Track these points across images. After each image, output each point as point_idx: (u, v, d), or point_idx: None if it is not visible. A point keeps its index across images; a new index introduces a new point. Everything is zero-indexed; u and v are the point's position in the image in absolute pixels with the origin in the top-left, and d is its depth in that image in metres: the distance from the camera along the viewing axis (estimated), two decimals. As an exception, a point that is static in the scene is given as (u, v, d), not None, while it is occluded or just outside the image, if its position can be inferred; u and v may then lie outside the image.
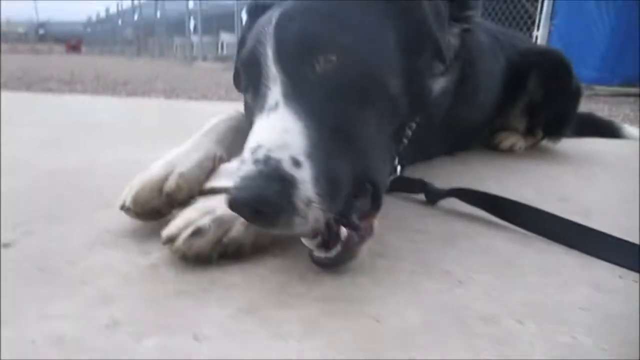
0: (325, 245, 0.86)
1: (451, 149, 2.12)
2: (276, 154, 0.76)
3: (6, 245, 0.93)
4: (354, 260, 0.89)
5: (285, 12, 0.97)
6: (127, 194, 1.02)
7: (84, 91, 5.74)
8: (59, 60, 17.04)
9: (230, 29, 17.25)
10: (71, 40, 39.10)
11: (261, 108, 0.89)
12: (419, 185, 1.36)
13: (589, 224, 1.09)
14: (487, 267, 0.97)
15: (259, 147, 0.78)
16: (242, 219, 0.89)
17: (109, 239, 0.99)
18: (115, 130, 2.36)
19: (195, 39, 19.73)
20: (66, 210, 1.16)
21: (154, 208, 1.01)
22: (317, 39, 0.91)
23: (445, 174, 1.74)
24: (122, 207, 1.02)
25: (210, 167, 1.10)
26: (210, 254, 0.90)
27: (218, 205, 0.93)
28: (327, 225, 0.83)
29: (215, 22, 19.76)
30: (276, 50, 0.91)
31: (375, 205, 0.93)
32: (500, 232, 1.16)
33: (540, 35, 7.83)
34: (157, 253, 0.93)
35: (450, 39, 1.29)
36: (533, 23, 8.30)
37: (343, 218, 0.85)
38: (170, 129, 2.41)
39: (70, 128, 2.36)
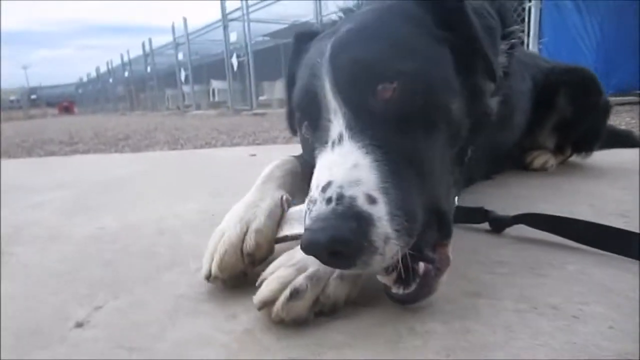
0: (402, 280, 0.81)
1: (489, 173, 2.08)
2: (349, 191, 0.72)
3: (80, 325, 0.85)
4: (430, 295, 0.84)
5: (339, 40, 0.93)
6: (210, 263, 0.96)
7: (86, 150, 5.74)
8: (54, 123, 17.18)
9: (220, 76, 17.51)
10: (63, 102, 39.55)
11: (324, 142, 0.85)
12: (481, 214, 1.29)
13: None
14: (592, 297, 0.90)
15: (329, 184, 0.74)
16: (336, 273, 0.85)
17: (187, 305, 0.91)
18: (138, 186, 2.30)
19: (186, 89, 20.00)
20: (127, 277, 1.08)
21: (241, 271, 0.96)
22: (375, 66, 0.87)
23: (491, 200, 1.68)
24: (208, 277, 0.96)
25: (280, 214, 1.04)
26: (308, 315, 0.83)
27: (305, 258, 0.87)
28: (403, 260, 0.76)
29: (205, 71, 20.06)
30: (334, 81, 0.88)
31: (446, 233, 0.87)
32: (583, 256, 1.09)
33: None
34: (244, 316, 0.85)
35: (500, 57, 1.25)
36: (522, 44, 8.43)
37: (417, 251, 0.80)
38: (195, 178, 2.37)
39: (92, 188, 2.30)
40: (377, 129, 0.82)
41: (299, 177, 1.26)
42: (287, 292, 0.82)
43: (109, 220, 1.59)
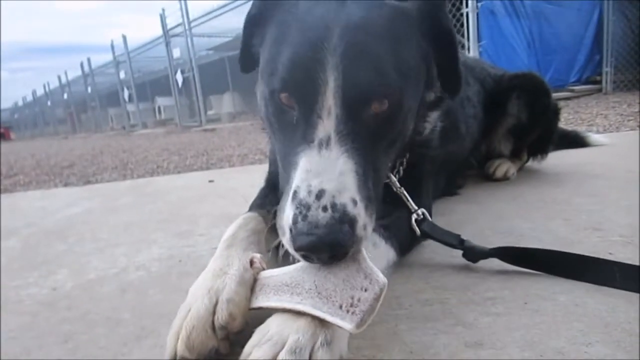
0: None
1: (452, 188, 2.06)
2: (341, 199, 0.84)
3: None
4: None
5: (353, 36, 0.93)
6: (175, 342, 0.85)
7: (28, 182, 5.40)
8: (-10, 151, 16.23)
9: (165, 92, 17.12)
10: (-2, 128, 37.53)
11: (309, 140, 0.90)
12: (457, 240, 1.25)
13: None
14: (593, 335, 0.87)
15: (322, 192, 0.84)
16: (319, 340, 0.79)
17: None
18: (92, 228, 2.13)
19: (131, 107, 19.43)
20: (90, 355, 0.97)
21: (212, 348, 0.85)
22: (378, 80, 0.93)
23: (467, 219, 1.66)
24: (174, 359, 0.85)
25: (251, 278, 0.95)
26: None
27: (280, 330, 0.80)
28: None
29: (149, 88, 19.57)
30: (342, 84, 0.90)
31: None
32: (572, 285, 1.07)
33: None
34: None
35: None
36: (463, 47, 8.70)
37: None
38: (154, 214, 2.23)
39: (41, 236, 2.12)
40: (360, 137, 0.92)
41: (264, 233, 1.19)
42: None
43: (63, 277, 1.45)
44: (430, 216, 1.34)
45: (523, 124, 2.25)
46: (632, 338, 0.85)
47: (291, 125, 0.95)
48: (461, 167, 2.19)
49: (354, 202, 0.85)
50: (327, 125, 0.90)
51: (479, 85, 2.20)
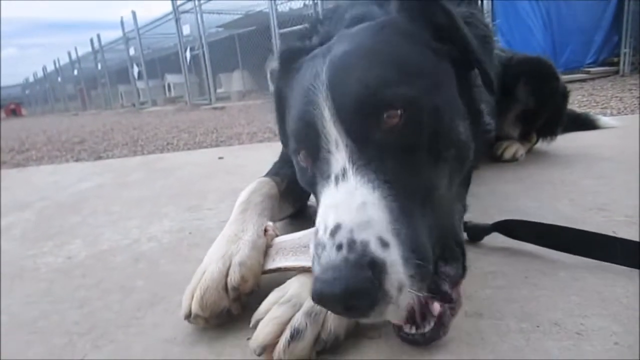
0: (414, 320, 0.75)
1: None
2: (360, 236, 0.66)
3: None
4: (444, 336, 0.78)
5: (336, 63, 0.86)
6: (190, 301, 0.90)
7: (40, 158, 5.47)
8: (2, 128, 16.37)
9: (174, 70, 17.08)
10: (10, 104, 37.67)
11: (325, 176, 0.80)
12: None
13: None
14: (591, 309, 0.89)
15: (338, 227, 0.68)
16: None
17: (177, 352, 0.84)
18: (105, 202, 2.18)
19: (141, 84, 19.42)
20: (105, 320, 1.01)
21: (224, 308, 0.90)
22: (379, 92, 0.79)
23: (473, 199, 1.67)
24: (188, 317, 0.90)
25: (264, 244, 0.99)
26: (311, 355, 0.79)
27: (298, 292, 0.83)
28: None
29: (158, 65, 19.52)
30: (334, 109, 0.81)
31: (463, 268, 0.82)
32: (571, 259, 1.09)
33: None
34: None
35: None
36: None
37: (435, 289, 0.75)
38: (165, 189, 2.27)
39: (55, 208, 2.17)
40: (383, 161, 0.76)
41: (278, 199, 1.22)
42: (287, 334, 0.77)
43: (77, 248, 1.49)
44: None
45: (531, 109, 2.24)
46: (628, 312, 0.87)
47: (313, 179, 0.88)
48: (476, 152, 2.18)
49: (383, 243, 0.66)
50: (339, 157, 0.78)
51: None
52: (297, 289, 0.85)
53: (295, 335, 0.77)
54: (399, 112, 0.78)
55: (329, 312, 0.80)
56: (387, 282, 0.64)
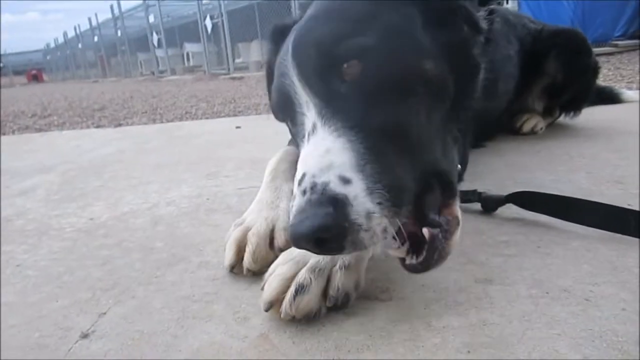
0: (415, 250, 0.78)
1: (480, 140, 2.06)
2: (321, 178, 0.71)
3: (86, 336, 0.82)
4: (443, 262, 0.79)
5: (300, 31, 0.93)
6: (234, 251, 1.01)
7: (62, 123, 5.57)
8: (24, 93, 16.60)
9: (193, 39, 17.01)
10: (31, 70, 38.03)
11: (302, 137, 0.85)
12: (473, 195, 1.27)
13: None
14: (601, 277, 0.90)
15: (303, 176, 0.74)
16: (338, 263, 0.84)
17: (195, 309, 0.88)
18: (125, 167, 2.23)
19: (160, 53, 19.42)
20: (127, 277, 1.05)
21: (269, 263, 0.94)
22: (335, 47, 0.84)
23: (488, 171, 1.68)
24: (233, 267, 1.01)
25: None
26: (319, 308, 0.82)
27: (306, 253, 0.84)
28: (409, 230, 0.75)
29: (177, 34, 19.47)
30: (299, 74, 0.86)
31: (450, 194, 0.84)
32: (585, 230, 1.09)
33: (510, 9, 7.88)
34: (257, 318, 0.83)
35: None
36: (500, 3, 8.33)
37: (421, 218, 0.78)
38: (184, 156, 2.30)
39: (77, 172, 2.22)
40: (348, 111, 0.80)
41: None
42: (292, 289, 0.81)
43: (99, 210, 1.54)
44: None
45: (559, 83, 2.18)
46: (638, 280, 0.88)
47: (298, 143, 0.95)
48: (492, 125, 2.16)
49: (344, 181, 0.71)
50: (310, 117, 0.83)
51: (519, 44, 2.13)
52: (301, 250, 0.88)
53: (300, 290, 0.80)
54: (356, 62, 0.82)
55: (334, 268, 0.84)
56: (352, 213, 0.68)
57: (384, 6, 0.91)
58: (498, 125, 2.24)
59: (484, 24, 1.15)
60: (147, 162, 2.31)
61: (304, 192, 0.71)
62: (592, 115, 2.54)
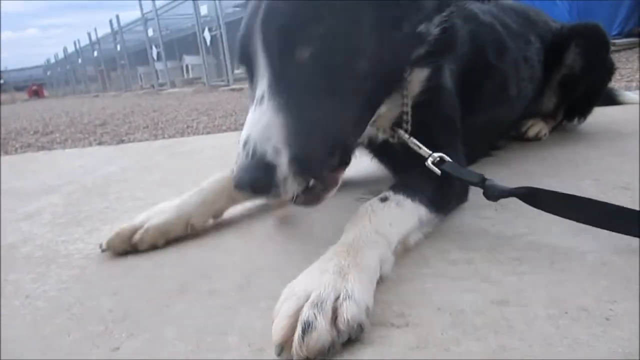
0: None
1: (490, 149, 2.04)
2: (261, 147, 0.95)
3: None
4: (318, 204, 1.10)
5: (270, 6, 1.06)
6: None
7: (64, 140, 5.58)
8: (26, 109, 16.68)
9: (192, 51, 17.08)
10: (32, 85, 38.19)
11: (252, 99, 1.05)
12: (479, 178, 1.21)
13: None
14: (619, 293, 0.88)
15: (248, 140, 0.97)
16: (342, 294, 0.84)
17: (210, 341, 0.85)
18: (130, 187, 2.22)
19: (159, 66, 19.50)
20: (137, 307, 1.04)
21: (124, 250, 1.32)
22: (294, 31, 1.02)
23: (492, 178, 1.66)
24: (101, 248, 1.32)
25: (181, 229, 1.37)
26: (332, 342, 0.78)
27: (304, 286, 0.87)
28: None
29: (176, 47, 19.56)
30: (263, 46, 1.03)
31: (343, 162, 1.13)
32: (598, 241, 1.08)
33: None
34: (272, 349, 0.79)
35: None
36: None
37: (316, 172, 1.06)
38: (188, 175, 2.29)
39: (82, 192, 2.22)
40: (292, 90, 1.01)
41: (226, 195, 1.48)
42: (298, 329, 0.77)
43: (107, 234, 1.52)
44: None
45: (575, 74, 2.15)
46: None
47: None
48: (505, 130, 2.13)
49: (276, 151, 0.95)
50: (262, 85, 1.03)
51: (540, 42, 2.11)
52: (302, 283, 0.88)
53: (307, 328, 0.77)
54: (307, 50, 1.02)
55: (339, 300, 0.82)
56: (277, 176, 0.95)
57: (343, 3, 1.07)
58: (512, 130, 2.20)
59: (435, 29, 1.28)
60: (151, 180, 2.30)
61: (247, 155, 0.95)
62: (593, 117, 2.50)
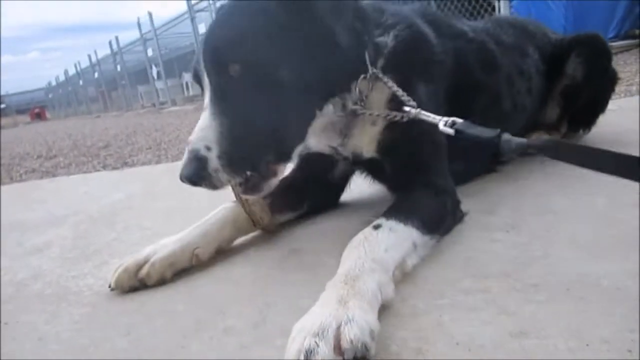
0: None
1: (491, 165, 2.02)
2: (197, 145, 1.17)
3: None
4: (260, 192, 1.31)
5: (209, 31, 1.32)
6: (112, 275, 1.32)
7: (68, 165, 5.58)
8: (28, 132, 16.77)
9: (191, 68, 17.14)
10: (34, 108, 38.42)
11: (203, 107, 1.25)
12: (494, 133, 1.16)
13: None
14: (637, 322, 0.87)
15: (189, 142, 1.18)
16: (343, 320, 0.86)
17: None
18: (137, 215, 2.23)
19: (160, 84, 19.59)
20: (152, 348, 1.03)
21: (132, 286, 1.33)
22: (225, 51, 1.23)
23: (500, 198, 1.65)
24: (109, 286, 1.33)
25: (187, 260, 1.38)
26: None
27: (312, 321, 0.88)
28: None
29: (176, 65, 19.67)
30: (205, 64, 1.25)
31: (281, 160, 1.31)
32: (614, 268, 1.07)
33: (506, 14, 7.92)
34: None
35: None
36: (493, 8, 8.39)
37: (253, 166, 1.24)
38: (194, 201, 2.28)
39: (90, 223, 2.22)
40: (226, 100, 1.21)
41: (232, 225, 1.54)
42: (301, 357, 0.80)
43: (112, 271, 1.52)
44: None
45: (577, 84, 2.14)
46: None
47: None
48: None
49: (207, 149, 1.16)
50: (206, 96, 1.24)
51: (539, 54, 2.12)
52: (306, 321, 0.89)
53: (309, 354, 0.80)
54: (238, 65, 1.20)
55: (341, 327, 0.84)
56: (209, 167, 1.16)
57: (266, 27, 1.25)
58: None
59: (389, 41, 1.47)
60: (157, 208, 2.31)
61: (189, 152, 1.17)
62: (597, 126, 2.46)
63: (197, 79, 1.31)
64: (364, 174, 1.65)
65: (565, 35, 2.33)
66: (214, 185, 1.19)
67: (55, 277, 1.54)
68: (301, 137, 1.34)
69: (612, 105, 2.64)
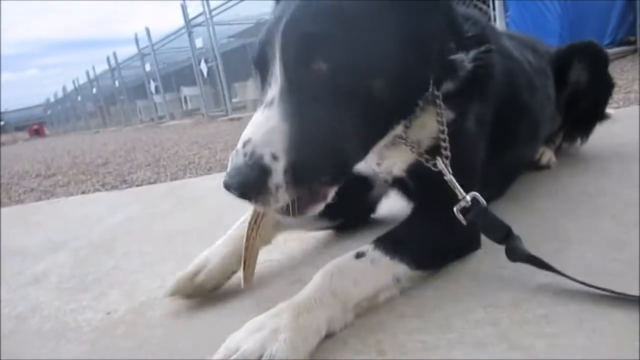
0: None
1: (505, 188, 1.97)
2: (260, 150, 0.94)
3: None
4: (300, 216, 1.06)
5: (293, 15, 1.06)
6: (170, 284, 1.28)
7: (66, 183, 5.57)
8: (27, 149, 16.77)
9: (189, 82, 17.24)
10: (33, 125, 38.49)
11: (261, 102, 1.04)
12: (503, 235, 1.18)
13: None
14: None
15: (249, 141, 0.96)
16: (263, 356, 0.91)
17: None
18: (137, 240, 2.20)
19: (158, 99, 19.67)
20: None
21: (189, 294, 1.31)
22: (314, 43, 1.02)
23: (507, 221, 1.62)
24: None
25: (238, 259, 1.32)
26: None
27: (239, 340, 0.95)
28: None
29: (174, 79, 19.76)
30: (281, 52, 1.03)
31: (336, 182, 1.08)
32: (620, 289, 1.04)
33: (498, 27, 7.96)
34: None
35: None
36: (489, 19, 8.44)
37: (308, 184, 1.02)
38: (195, 225, 2.26)
39: (89, 250, 2.19)
40: (302, 100, 1.00)
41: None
42: None
43: (115, 299, 1.49)
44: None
45: (581, 89, 2.15)
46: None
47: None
48: (525, 168, 2.07)
49: (274, 157, 0.94)
50: (274, 89, 1.02)
51: (549, 70, 2.09)
52: (240, 334, 0.99)
53: None
54: (324, 64, 1.01)
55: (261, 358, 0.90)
56: (270, 182, 0.94)
57: (367, 20, 1.07)
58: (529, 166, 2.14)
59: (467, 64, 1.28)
60: (158, 231, 2.28)
61: (245, 155, 0.94)
62: (596, 139, 2.42)
63: (261, 65, 1.10)
64: (394, 190, 1.54)
65: (560, 44, 2.33)
66: (268, 204, 0.97)
67: (54, 310, 1.51)
68: (364, 155, 1.19)
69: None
